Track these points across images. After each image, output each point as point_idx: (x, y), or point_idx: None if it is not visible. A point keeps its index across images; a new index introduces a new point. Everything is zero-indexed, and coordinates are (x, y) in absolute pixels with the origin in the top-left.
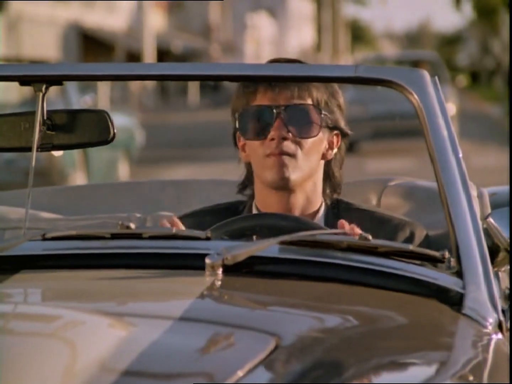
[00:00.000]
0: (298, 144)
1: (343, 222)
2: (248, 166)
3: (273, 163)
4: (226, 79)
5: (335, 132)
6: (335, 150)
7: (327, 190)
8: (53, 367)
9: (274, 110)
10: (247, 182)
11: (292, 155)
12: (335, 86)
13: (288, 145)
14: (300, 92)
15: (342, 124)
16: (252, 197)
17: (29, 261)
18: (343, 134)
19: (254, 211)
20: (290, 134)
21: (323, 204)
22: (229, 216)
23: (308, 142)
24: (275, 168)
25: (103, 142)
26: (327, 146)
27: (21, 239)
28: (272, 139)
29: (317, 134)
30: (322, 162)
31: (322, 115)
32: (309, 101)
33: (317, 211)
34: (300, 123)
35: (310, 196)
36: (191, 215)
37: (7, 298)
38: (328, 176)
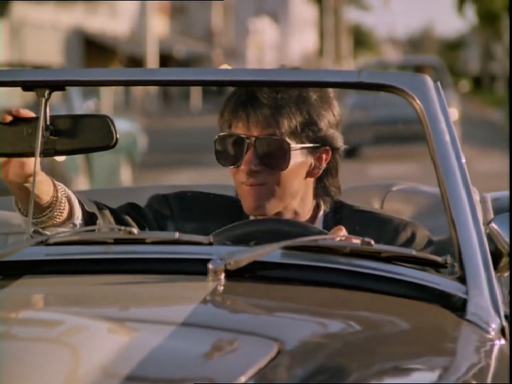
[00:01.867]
0: (272, 175)
1: (341, 227)
2: None
3: (247, 192)
4: (229, 84)
5: (323, 149)
6: (324, 166)
7: (323, 198)
8: (56, 372)
9: (246, 141)
10: None
11: (264, 185)
12: (328, 99)
13: (259, 177)
14: (274, 121)
15: (333, 139)
16: None
17: (32, 266)
18: (334, 149)
19: (251, 217)
20: (260, 167)
21: (321, 210)
22: (232, 213)
23: (283, 173)
24: (249, 197)
25: (105, 147)
26: (313, 165)
27: (24, 244)
28: (244, 170)
29: (287, 167)
30: (311, 179)
31: (295, 145)
32: (284, 129)
33: (314, 217)
34: (270, 156)
35: (298, 210)
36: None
37: (10, 303)
38: (322, 187)
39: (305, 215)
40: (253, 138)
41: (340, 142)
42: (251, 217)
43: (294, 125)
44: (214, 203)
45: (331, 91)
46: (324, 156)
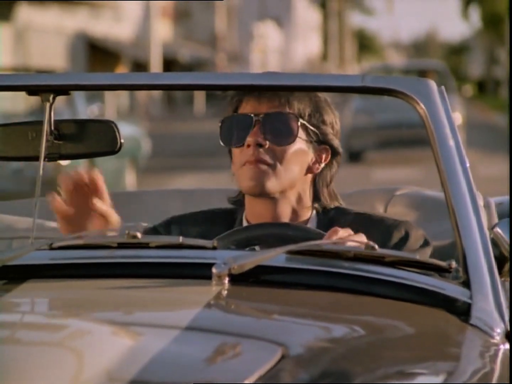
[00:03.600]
0: (276, 153)
1: (337, 229)
2: None
3: (248, 171)
4: (233, 89)
5: (323, 146)
6: (323, 164)
7: (318, 200)
8: (60, 376)
9: (253, 118)
10: (239, 195)
11: (268, 164)
12: (326, 103)
13: (264, 153)
14: (281, 102)
15: (334, 141)
16: (243, 208)
17: (36, 270)
18: (334, 152)
19: (244, 223)
20: (266, 142)
21: (314, 213)
22: (226, 223)
23: (287, 152)
24: (250, 175)
25: (110, 152)
26: (313, 159)
27: (29, 249)
28: (249, 146)
29: (293, 141)
30: (310, 176)
31: (303, 124)
32: (293, 110)
33: (307, 221)
34: (277, 130)
35: (295, 206)
36: (184, 217)
37: (15, 307)
38: (319, 189)
39: (301, 213)
40: (261, 115)
41: (340, 148)
42: (244, 223)
43: (303, 111)
44: (207, 220)
45: (330, 105)
46: (324, 155)
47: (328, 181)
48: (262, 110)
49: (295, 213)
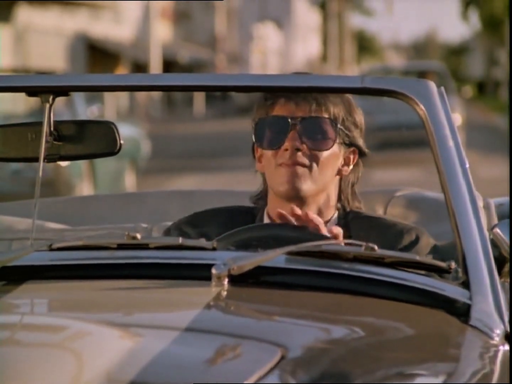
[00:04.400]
0: (312, 156)
1: (335, 227)
2: (264, 176)
3: (285, 173)
4: (233, 90)
5: (352, 149)
6: (351, 166)
7: (339, 204)
8: (60, 378)
9: (290, 121)
10: (262, 193)
11: (305, 166)
12: (353, 104)
13: (302, 156)
14: (318, 106)
15: (360, 142)
16: (264, 207)
17: (36, 271)
18: (361, 153)
19: (266, 220)
20: (304, 146)
21: (336, 215)
22: (245, 220)
23: (322, 156)
24: (286, 177)
25: (109, 153)
26: (343, 162)
27: (28, 250)
28: (286, 150)
29: (331, 147)
30: (338, 177)
31: (338, 130)
32: (326, 115)
33: (327, 221)
34: (315, 135)
35: (322, 208)
36: (205, 213)
37: (14, 308)
38: (340, 192)
39: (326, 214)
40: (298, 119)
41: (365, 149)
42: (266, 220)
43: (338, 114)
44: (227, 218)
45: (356, 106)
46: (352, 157)
47: (353, 182)
48: (299, 114)
49: (320, 213)
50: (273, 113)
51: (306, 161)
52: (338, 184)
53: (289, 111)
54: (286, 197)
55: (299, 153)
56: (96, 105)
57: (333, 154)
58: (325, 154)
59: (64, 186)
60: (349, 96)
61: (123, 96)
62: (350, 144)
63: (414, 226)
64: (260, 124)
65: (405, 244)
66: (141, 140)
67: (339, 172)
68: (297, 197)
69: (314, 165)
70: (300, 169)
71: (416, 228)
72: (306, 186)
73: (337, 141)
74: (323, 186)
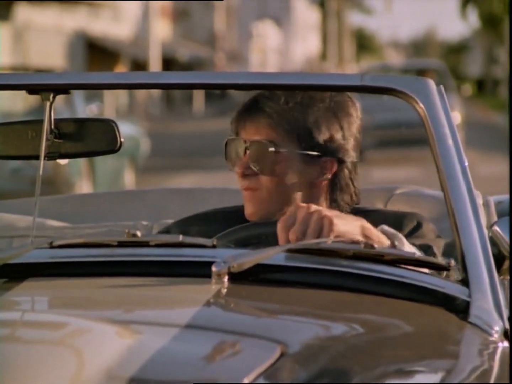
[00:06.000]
0: (264, 179)
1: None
2: None
3: (245, 197)
4: (232, 88)
5: (326, 158)
6: (328, 176)
7: (334, 207)
8: (60, 374)
9: (244, 145)
10: None
11: (257, 190)
12: (339, 110)
13: (252, 181)
14: (271, 127)
15: (341, 149)
16: None
17: (36, 269)
18: (340, 161)
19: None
20: (250, 171)
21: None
22: (236, 220)
23: (277, 177)
24: (246, 202)
25: (110, 151)
26: (316, 174)
27: (29, 247)
28: (238, 174)
29: (276, 172)
30: (323, 184)
31: (289, 150)
32: (280, 135)
33: None
34: (261, 159)
35: None
36: (196, 218)
37: (15, 305)
38: (333, 200)
39: None
40: (248, 142)
41: (349, 155)
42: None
43: (294, 131)
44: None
45: (349, 104)
46: (328, 166)
47: (342, 189)
48: (252, 136)
49: None
50: (239, 134)
51: (257, 185)
52: (327, 190)
53: (246, 133)
54: (255, 220)
55: (248, 178)
56: (95, 104)
57: (293, 171)
58: (279, 174)
59: (64, 184)
60: (343, 98)
61: (123, 94)
62: (321, 154)
63: (414, 212)
64: (227, 144)
65: (408, 230)
66: (141, 138)
67: (313, 185)
68: (261, 219)
69: (269, 189)
70: (255, 194)
71: (416, 213)
72: (266, 209)
73: (294, 158)
74: (286, 202)
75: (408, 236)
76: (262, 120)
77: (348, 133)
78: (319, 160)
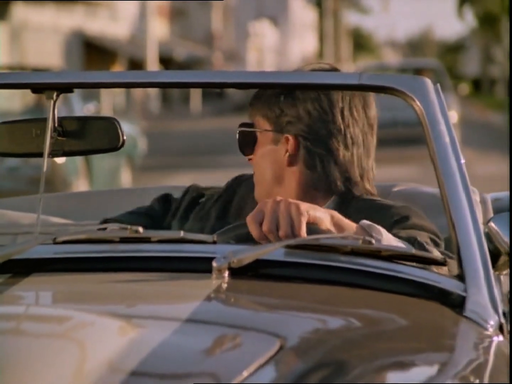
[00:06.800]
0: (253, 161)
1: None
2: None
3: None
4: (229, 87)
5: (285, 135)
6: (289, 153)
7: (325, 189)
8: (63, 367)
9: (238, 132)
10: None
11: (254, 174)
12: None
13: (252, 165)
14: (259, 111)
15: (293, 128)
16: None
17: (40, 264)
18: (298, 137)
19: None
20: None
21: (333, 198)
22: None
23: (256, 158)
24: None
25: (112, 148)
26: (285, 152)
27: (33, 243)
28: None
29: (253, 153)
30: (295, 167)
31: (260, 131)
32: (261, 117)
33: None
34: (243, 142)
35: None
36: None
37: (19, 300)
38: (316, 178)
39: (317, 202)
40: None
41: (302, 132)
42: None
43: (272, 113)
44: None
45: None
46: (289, 143)
47: (310, 166)
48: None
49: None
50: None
51: (253, 168)
52: (304, 173)
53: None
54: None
55: (250, 162)
56: (92, 103)
57: (266, 151)
58: (258, 155)
59: (60, 183)
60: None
61: (120, 93)
62: (281, 130)
63: (403, 204)
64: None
65: (393, 220)
66: (138, 137)
67: (286, 162)
68: (257, 200)
69: (255, 171)
70: (253, 177)
71: (406, 206)
72: (256, 191)
73: (268, 137)
74: (271, 183)
75: (394, 226)
76: (254, 105)
77: (305, 111)
78: (281, 137)
